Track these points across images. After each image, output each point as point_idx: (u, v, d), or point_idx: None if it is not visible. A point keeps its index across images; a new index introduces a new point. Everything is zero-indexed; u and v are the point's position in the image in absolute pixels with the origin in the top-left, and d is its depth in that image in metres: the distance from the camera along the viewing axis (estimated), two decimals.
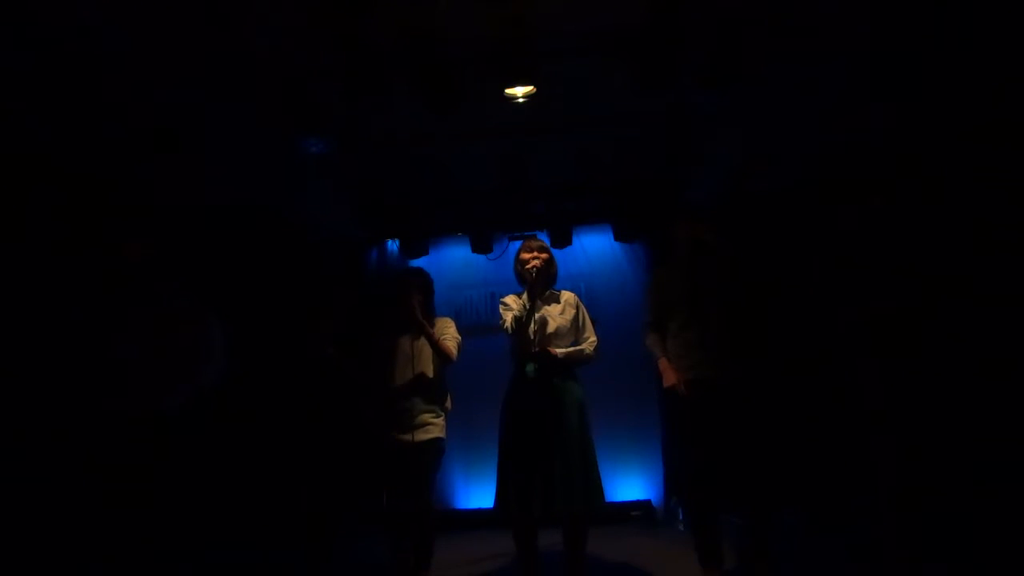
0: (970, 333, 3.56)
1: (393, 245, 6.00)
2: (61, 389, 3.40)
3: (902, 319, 3.24)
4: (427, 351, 3.38)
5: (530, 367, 3.02)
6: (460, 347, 3.40)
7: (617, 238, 5.76)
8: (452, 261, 5.96)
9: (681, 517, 4.85)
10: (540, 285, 3.11)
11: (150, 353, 3.17)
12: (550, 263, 3.19)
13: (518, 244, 3.30)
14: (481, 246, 5.67)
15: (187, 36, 3.13)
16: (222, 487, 4.00)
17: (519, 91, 3.53)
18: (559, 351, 3.05)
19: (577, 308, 3.20)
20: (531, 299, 3.03)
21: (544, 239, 3.35)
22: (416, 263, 5.31)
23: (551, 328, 3.08)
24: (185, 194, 4.77)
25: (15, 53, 3.19)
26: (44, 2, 2.91)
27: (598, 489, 2.95)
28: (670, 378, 3.07)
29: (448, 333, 3.39)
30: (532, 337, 3.05)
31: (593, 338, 3.18)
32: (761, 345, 3.22)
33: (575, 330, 3.16)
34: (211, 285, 4.11)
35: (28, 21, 3.00)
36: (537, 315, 3.08)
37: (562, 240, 5.54)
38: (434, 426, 3.36)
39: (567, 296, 3.22)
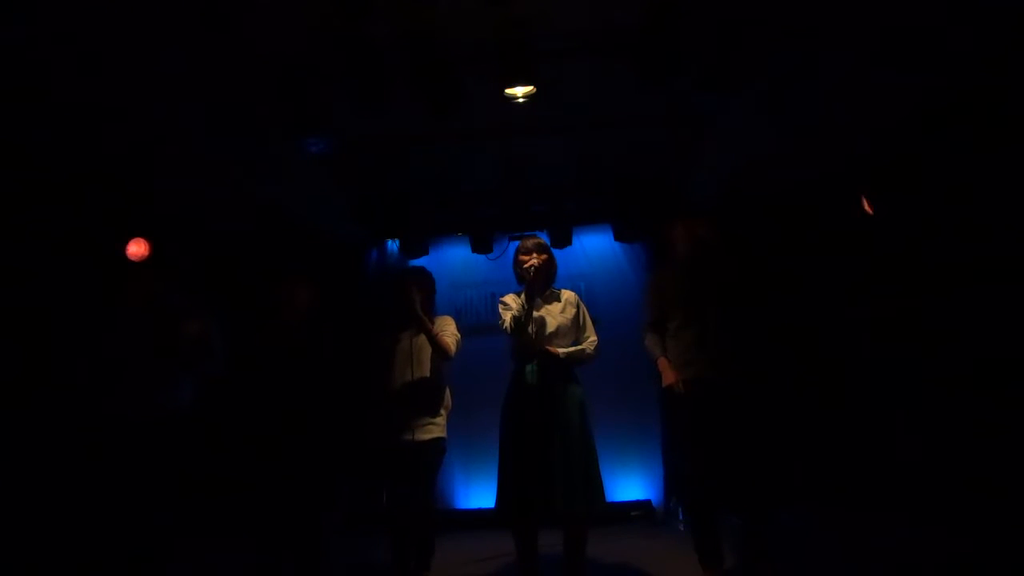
0: (971, 333, 3.56)
1: (393, 245, 6.00)
2: (61, 390, 3.40)
3: (902, 318, 3.24)
4: (427, 350, 3.37)
5: (530, 367, 3.01)
6: (459, 345, 3.39)
7: (617, 238, 5.76)
8: (452, 261, 5.96)
9: (681, 517, 4.85)
10: (539, 284, 3.10)
11: (149, 351, 3.17)
12: (549, 262, 3.18)
13: (518, 244, 3.29)
14: (481, 246, 5.67)
15: (187, 36, 3.13)
16: (221, 486, 4.00)
17: (519, 91, 3.53)
18: (560, 350, 3.05)
19: (577, 307, 3.19)
20: (530, 299, 3.03)
21: (544, 239, 3.34)
22: (416, 263, 5.31)
23: (551, 327, 3.08)
24: (186, 194, 4.77)
25: (16, 53, 3.20)
26: (44, 2, 2.91)
27: (599, 489, 2.94)
28: (668, 377, 3.07)
29: (447, 330, 3.38)
30: (532, 336, 3.04)
31: (593, 337, 3.17)
32: (760, 345, 3.22)
33: (575, 329, 3.16)
34: (210, 283, 4.12)
35: (28, 20, 3.00)
36: (537, 314, 3.07)
37: (562, 240, 5.54)
38: (435, 425, 3.36)
39: (567, 295, 3.22)
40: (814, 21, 3.27)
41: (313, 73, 3.48)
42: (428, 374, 3.38)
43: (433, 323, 3.36)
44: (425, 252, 5.78)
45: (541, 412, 2.94)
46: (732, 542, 3.10)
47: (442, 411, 3.43)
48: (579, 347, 3.12)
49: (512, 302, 3.12)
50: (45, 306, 3.77)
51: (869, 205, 4.28)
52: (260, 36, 3.21)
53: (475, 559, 3.92)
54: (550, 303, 3.17)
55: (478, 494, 5.43)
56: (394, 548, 3.29)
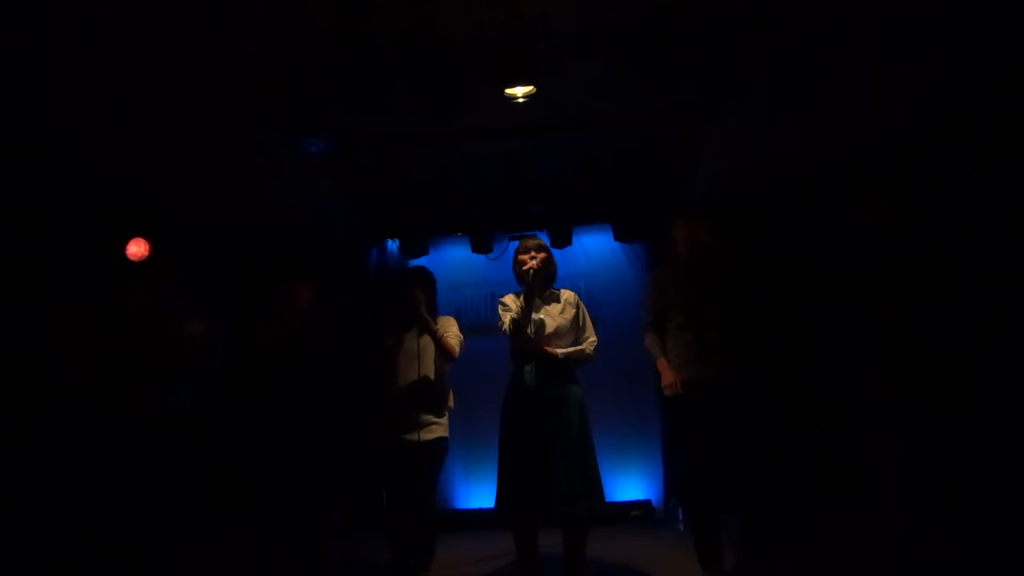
0: (972, 334, 3.56)
1: (393, 245, 6.00)
2: (63, 389, 3.40)
3: (902, 318, 3.24)
4: (431, 350, 3.38)
5: (529, 367, 3.01)
6: (462, 345, 3.40)
7: (617, 238, 5.76)
8: (452, 261, 5.96)
9: (681, 517, 4.85)
10: (538, 285, 3.10)
11: (151, 351, 3.17)
12: (548, 262, 3.18)
13: (518, 244, 3.28)
14: (481, 246, 5.67)
15: (187, 36, 3.13)
16: (222, 485, 4.01)
17: (519, 91, 3.53)
18: (559, 351, 3.04)
19: (577, 307, 3.19)
20: (528, 301, 3.02)
21: (544, 239, 3.34)
22: (416, 263, 5.31)
23: (550, 328, 3.07)
24: (186, 193, 4.78)
25: (16, 53, 3.20)
26: (45, 2, 2.91)
27: (598, 490, 2.94)
28: (668, 377, 3.07)
29: (451, 331, 3.39)
30: (531, 337, 3.04)
31: (593, 337, 3.17)
32: (760, 345, 3.22)
33: (575, 329, 3.15)
34: (211, 283, 4.12)
35: (28, 20, 3.00)
36: (536, 315, 3.07)
37: (562, 240, 5.54)
38: (438, 425, 3.36)
39: (567, 295, 3.21)
40: (814, 22, 3.27)
41: (313, 73, 3.48)
42: (433, 375, 3.38)
43: (436, 323, 3.37)
44: (425, 252, 5.78)
45: (540, 412, 2.94)
46: (732, 542, 3.10)
47: (445, 411, 3.44)
48: (578, 347, 3.12)
49: (512, 303, 3.11)
50: (47, 306, 3.77)
51: (876, 204, 4.27)
52: (260, 36, 3.21)
53: (475, 559, 3.92)
54: (549, 303, 3.16)
55: (478, 494, 5.43)
56: (394, 548, 3.30)
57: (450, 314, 3.75)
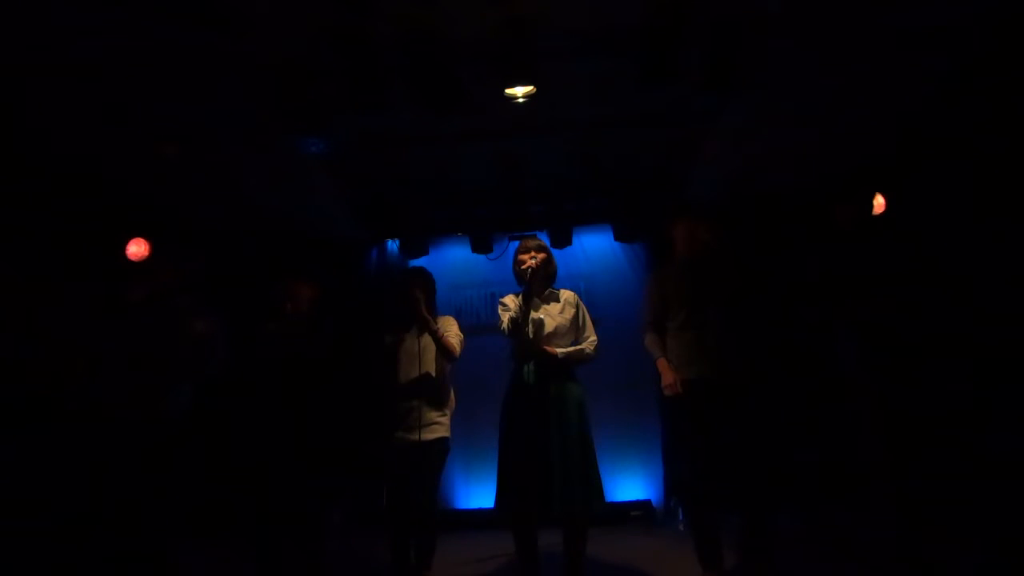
0: (966, 332, 3.56)
1: (393, 245, 6.01)
2: (63, 390, 3.40)
3: (900, 319, 3.24)
4: (431, 349, 3.38)
5: (528, 367, 3.01)
6: (463, 345, 3.41)
7: (617, 238, 5.76)
8: (452, 261, 5.96)
9: (681, 517, 4.85)
10: (537, 284, 3.10)
11: (151, 351, 3.17)
12: (547, 262, 3.18)
13: (518, 244, 3.29)
14: (481, 246, 5.67)
15: (187, 36, 3.14)
16: (221, 485, 4.00)
17: (519, 91, 3.53)
18: (559, 351, 3.04)
19: (577, 307, 3.19)
20: (526, 299, 3.02)
21: (544, 239, 3.33)
22: (416, 263, 5.31)
23: (550, 328, 3.07)
24: (186, 195, 4.78)
25: (16, 53, 3.20)
26: (45, 4, 2.91)
27: (598, 490, 2.94)
28: (668, 377, 3.07)
29: (451, 331, 3.40)
30: (530, 337, 3.04)
31: (593, 337, 3.17)
32: (760, 345, 3.22)
33: (575, 329, 3.15)
34: (213, 284, 4.12)
35: (27, 20, 3.00)
36: (536, 315, 3.07)
37: (562, 240, 5.54)
38: (440, 425, 3.36)
39: (567, 295, 3.21)
40: (814, 21, 3.27)
41: (313, 73, 3.48)
42: (434, 374, 3.38)
43: (436, 323, 3.37)
44: (425, 252, 5.78)
45: (539, 412, 2.94)
46: (732, 542, 3.10)
47: (447, 411, 3.44)
48: (578, 347, 3.11)
49: (511, 303, 3.11)
50: (47, 305, 3.77)
51: (882, 203, 4.26)
52: (260, 36, 3.21)
53: (475, 559, 3.92)
54: (549, 303, 3.16)
55: (478, 494, 5.43)
56: (394, 548, 3.29)
57: (450, 314, 3.75)
